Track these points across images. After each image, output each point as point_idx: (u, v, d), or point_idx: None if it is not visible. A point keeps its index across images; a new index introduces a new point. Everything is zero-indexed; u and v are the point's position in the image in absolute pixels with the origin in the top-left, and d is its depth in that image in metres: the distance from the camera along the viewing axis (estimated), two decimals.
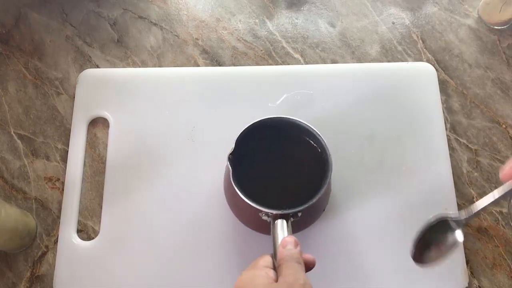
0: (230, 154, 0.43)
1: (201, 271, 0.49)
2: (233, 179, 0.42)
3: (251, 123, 0.44)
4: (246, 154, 0.44)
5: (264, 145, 0.47)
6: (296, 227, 0.43)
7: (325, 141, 0.44)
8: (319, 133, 0.45)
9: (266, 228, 0.42)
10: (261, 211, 0.41)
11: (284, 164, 0.48)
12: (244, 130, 0.44)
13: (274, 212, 0.40)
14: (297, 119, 0.45)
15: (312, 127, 0.45)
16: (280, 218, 0.40)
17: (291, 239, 0.36)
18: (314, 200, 0.41)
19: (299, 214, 0.41)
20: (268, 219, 0.41)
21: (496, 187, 0.38)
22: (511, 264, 0.51)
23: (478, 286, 0.50)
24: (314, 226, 0.50)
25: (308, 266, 0.36)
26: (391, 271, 0.49)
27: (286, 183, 0.47)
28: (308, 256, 0.36)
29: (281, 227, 0.39)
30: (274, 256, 0.37)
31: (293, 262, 0.34)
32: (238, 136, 0.44)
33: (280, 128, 0.46)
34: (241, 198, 0.41)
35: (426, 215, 0.51)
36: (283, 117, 0.46)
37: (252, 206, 0.41)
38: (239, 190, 0.42)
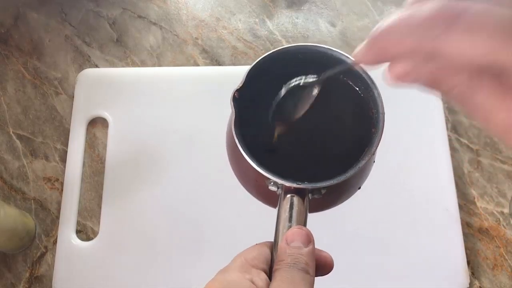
0: (236, 91, 0.30)
1: (201, 271, 0.49)
2: (235, 128, 0.30)
3: (269, 52, 0.32)
4: (259, 98, 0.31)
5: (285, 87, 0.33)
6: (314, 208, 0.32)
7: (378, 90, 0.31)
8: (369, 76, 0.31)
9: (269, 201, 0.32)
10: (267, 178, 0.29)
11: (311, 117, 0.32)
12: (258, 61, 0.32)
13: (286, 183, 0.28)
14: (336, 50, 0.32)
15: (364, 69, 0.31)
16: (293, 193, 0.28)
17: (302, 231, 0.25)
18: (349, 174, 0.29)
19: (322, 191, 0.29)
20: (278, 191, 0.29)
21: (497, 188, 0.38)
22: None
23: (479, 286, 0.50)
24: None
25: (324, 270, 0.26)
26: (391, 271, 0.49)
27: (312, 144, 0.34)
28: (325, 255, 0.26)
29: (291, 207, 0.28)
30: (274, 249, 0.26)
31: (295, 271, 0.23)
32: (250, 69, 0.31)
33: (310, 62, 0.32)
34: (242, 155, 0.29)
35: (427, 215, 0.51)
36: (315, 46, 0.32)
37: (255, 170, 0.29)
38: (240, 144, 0.29)
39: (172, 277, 0.49)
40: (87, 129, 0.55)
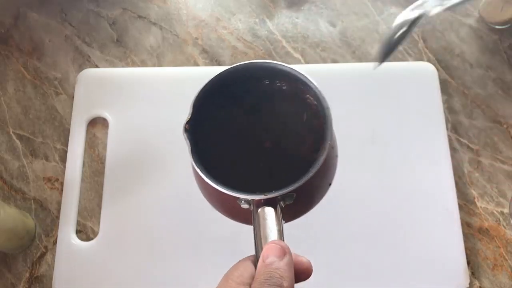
0: (186, 123, 0.31)
1: (201, 271, 0.49)
2: (194, 159, 0.30)
3: (213, 76, 0.33)
4: (211, 120, 0.33)
5: (236, 106, 0.34)
6: (292, 214, 0.32)
7: (318, 89, 0.32)
8: (309, 79, 0.32)
9: (245, 219, 0.32)
10: (237, 198, 0.29)
11: (262, 128, 0.34)
12: (204, 88, 0.33)
13: (255, 197, 0.29)
14: (276, 62, 0.33)
15: (300, 71, 0.32)
16: (264, 205, 0.28)
17: (275, 246, 0.26)
18: (312, 172, 0.29)
19: (294, 195, 0.30)
20: (251, 207, 0.30)
21: (497, 188, 0.38)
22: None
23: (479, 286, 0.50)
24: (310, 229, 0.50)
25: (303, 275, 0.27)
26: (391, 271, 0.49)
27: (270, 154, 0.34)
28: (302, 260, 0.27)
29: (265, 220, 0.28)
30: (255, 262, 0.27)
31: (266, 286, 0.24)
32: (196, 97, 0.32)
33: (256, 79, 0.34)
34: (207, 183, 0.30)
35: (427, 215, 0.51)
36: (255, 63, 0.33)
37: (224, 193, 0.29)
38: (203, 172, 0.30)
39: (172, 277, 0.49)
40: (87, 129, 0.55)
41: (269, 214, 0.28)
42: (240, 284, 0.25)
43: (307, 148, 0.32)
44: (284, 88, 0.33)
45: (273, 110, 0.34)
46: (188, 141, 0.30)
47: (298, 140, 0.33)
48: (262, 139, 0.33)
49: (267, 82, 0.33)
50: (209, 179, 0.30)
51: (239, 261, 0.28)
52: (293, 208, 0.30)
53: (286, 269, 0.25)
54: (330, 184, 0.36)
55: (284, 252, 0.25)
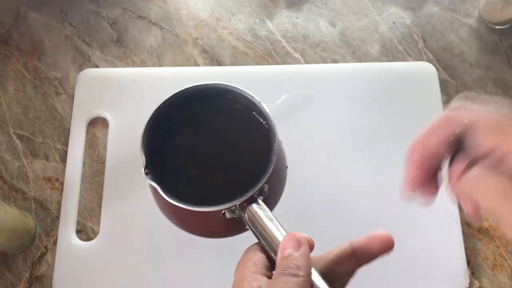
0: (144, 169, 0.33)
1: (201, 271, 0.49)
2: (168, 195, 0.32)
3: (152, 112, 0.35)
4: (167, 152, 0.35)
5: (188, 129, 0.37)
6: (269, 205, 0.33)
7: (258, 100, 0.35)
8: (250, 94, 0.35)
9: (234, 229, 0.34)
10: (221, 211, 0.32)
11: (220, 144, 0.37)
12: (148, 124, 0.35)
13: (238, 202, 0.31)
14: (219, 83, 0.36)
15: (242, 88, 0.35)
16: (248, 206, 0.31)
17: (292, 237, 0.28)
18: (272, 161, 0.32)
19: (266, 186, 0.32)
20: (236, 213, 0.32)
21: None
22: None
23: (479, 286, 0.50)
24: (312, 229, 0.50)
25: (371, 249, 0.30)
26: (391, 271, 0.49)
27: (229, 164, 0.36)
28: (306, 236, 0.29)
29: (257, 215, 0.30)
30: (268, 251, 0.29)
31: (281, 276, 0.25)
32: (143, 137, 0.35)
33: (201, 101, 0.37)
34: (189, 209, 0.32)
35: (427, 215, 0.51)
36: (198, 86, 0.36)
37: (210, 211, 0.31)
38: (184, 203, 0.32)
39: (172, 276, 0.49)
40: (87, 129, 0.55)
41: (257, 209, 0.31)
42: (256, 273, 0.26)
43: (261, 150, 0.34)
44: (229, 105, 0.36)
45: (224, 126, 0.37)
46: (155, 184, 0.32)
47: (252, 148, 0.36)
48: (218, 154, 0.36)
49: (212, 102, 0.36)
50: (192, 207, 0.31)
51: (248, 250, 0.29)
52: (269, 199, 0.33)
53: (301, 259, 0.26)
54: (287, 167, 0.40)
55: (299, 243, 0.27)
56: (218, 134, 0.37)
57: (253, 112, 0.36)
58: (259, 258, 0.28)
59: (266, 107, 0.35)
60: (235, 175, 0.35)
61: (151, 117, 0.35)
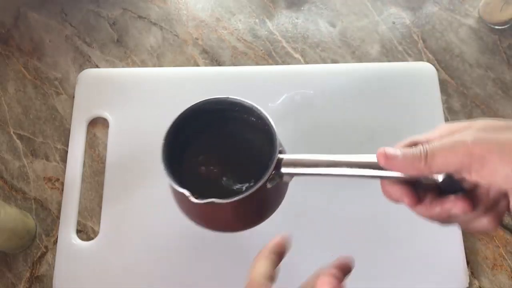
0: (194, 196, 0.35)
1: (201, 271, 0.49)
2: (199, 198, 0.35)
3: (184, 109, 0.39)
4: (185, 156, 0.39)
5: (202, 138, 0.41)
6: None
7: (261, 110, 0.39)
8: (254, 105, 0.39)
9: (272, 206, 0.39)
10: (260, 188, 0.35)
11: (232, 149, 0.41)
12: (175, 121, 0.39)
13: (274, 160, 0.35)
14: (234, 98, 0.40)
15: (249, 102, 0.39)
16: (280, 164, 0.35)
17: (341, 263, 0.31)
18: (279, 147, 0.36)
19: (282, 149, 0.37)
20: (276, 179, 0.36)
21: None
22: (511, 264, 0.51)
23: (479, 286, 0.50)
24: (311, 228, 0.50)
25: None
26: (391, 271, 0.49)
27: (246, 157, 0.40)
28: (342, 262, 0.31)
29: (295, 157, 0.35)
30: None
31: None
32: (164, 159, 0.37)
33: (216, 111, 0.41)
34: (228, 202, 0.34)
35: None
36: (215, 99, 0.40)
37: (245, 197, 0.34)
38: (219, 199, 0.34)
39: (172, 276, 0.49)
40: (88, 129, 0.56)
41: (290, 156, 0.35)
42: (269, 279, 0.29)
43: (265, 145, 0.37)
44: (239, 115, 0.40)
45: (232, 131, 0.41)
46: (185, 190, 0.36)
47: (258, 144, 0.40)
48: (230, 153, 0.40)
49: (226, 112, 0.40)
50: (230, 199, 0.34)
51: (258, 260, 0.32)
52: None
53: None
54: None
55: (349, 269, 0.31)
56: (228, 138, 0.41)
57: (253, 118, 0.40)
58: (268, 265, 0.30)
59: (266, 113, 0.39)
60: (248, 166, 0.39)
61: (169, 129, 0.39)
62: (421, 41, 0.61)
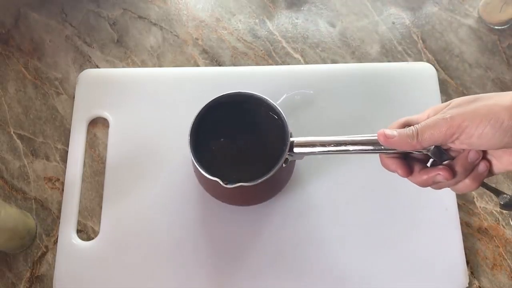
0: (224, 181, 0.42)
1: (201, 271, 0.49)
2: (228, 183, 0.41)
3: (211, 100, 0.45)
4: (210, 143, 0.45)
5: (226, 121, 0.47)
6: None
7: (275, 105, 0.45)
8: (268, 99, 0.45)
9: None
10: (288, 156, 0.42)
11: (248, 133, 0.47)
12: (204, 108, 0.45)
13: (288, 140, 0.42)
14: (251, 92, 0.46)
15: (264, 96, 0.45)
16: (292, 146, 0.42)
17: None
18: (289, 133, 0.43)
19: (295, 149, 0.42)
20: (293, 157, 0.42)
21: (496, 188, 0.38)
22: (511, 264, 0.51)
23: (479, 286, 0.50)
24: (312, 226, 0.50)
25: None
26: (391, 271, 0.49)
27: (259, 145, 0.46)
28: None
29: (307, 139, 0.41)
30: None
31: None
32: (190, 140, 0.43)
33: (237, 103, 0.46)
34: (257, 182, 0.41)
35: (427, 215, 0.51)
36: (238, 92, 0.46)
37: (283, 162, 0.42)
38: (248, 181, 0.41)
39: (172, 276, 0.49)
40: (88, 129, 0.56)
41: (302, 138, 0.42)
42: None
43: (279, 134, 0.44)
44: (255, 108, 0.46)
45: (246, 121, 0.47)
46: (217, 179, 0.42)
47: (271, 132, 0.46)
48: (247, 140, 0.46)
49: (245, 105, 0.46)
50: (258, 179, 0.41)
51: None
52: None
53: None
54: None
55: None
56: (247, 128, 0.46)
57: (270, 112, 0.46)
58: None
59: (280, 107, 0.45)
60: (263, 152, 0.45)
61: (195, 120, 0.45)
62: (420, 41, 0.61)
